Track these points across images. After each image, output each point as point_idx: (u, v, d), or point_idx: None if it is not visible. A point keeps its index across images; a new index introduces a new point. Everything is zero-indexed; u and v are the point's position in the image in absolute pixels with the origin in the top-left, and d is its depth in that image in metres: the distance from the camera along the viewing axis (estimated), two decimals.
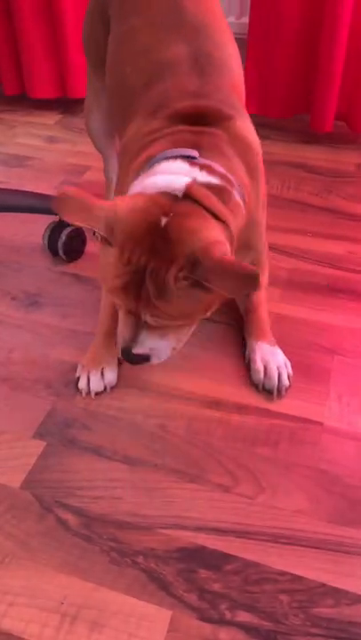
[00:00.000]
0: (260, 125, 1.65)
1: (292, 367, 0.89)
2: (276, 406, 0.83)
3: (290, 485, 0.73)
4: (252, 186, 0.76)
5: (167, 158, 0.70)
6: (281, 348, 0.93)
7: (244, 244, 0.80)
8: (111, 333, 0.88)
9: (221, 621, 0.60)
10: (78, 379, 0.86)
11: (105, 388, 0.86)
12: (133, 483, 0.74)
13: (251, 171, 0.76)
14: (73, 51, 1.60)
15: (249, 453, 0.77)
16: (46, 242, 1.12)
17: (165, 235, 0.63)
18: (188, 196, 0.65)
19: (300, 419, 0.81)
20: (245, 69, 1.53)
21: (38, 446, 0.78)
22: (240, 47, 1.68)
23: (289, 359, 0.91)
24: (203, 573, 0.64)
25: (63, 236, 1.09)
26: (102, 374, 0.86)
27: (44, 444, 0.79)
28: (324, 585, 0.63)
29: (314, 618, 0.60)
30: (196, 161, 0.69)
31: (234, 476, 0.74)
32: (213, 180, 0.68)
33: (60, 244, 1.09)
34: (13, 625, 0.60)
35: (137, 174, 0.74)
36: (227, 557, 0.66)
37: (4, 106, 1.81)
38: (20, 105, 1.82)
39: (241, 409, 0.83)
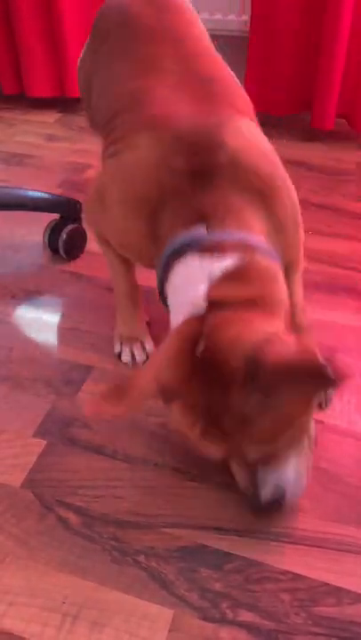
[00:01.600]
0: (261, 124, 1.64)
1: None
2: None
3: None
4: (269, 212, 0.67)
5: (177, 256, 0.64)
6: None
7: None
8: (133, 303, 0.90)
9: (223, 620, 0.60)
10: (119, 354, 0.91)
11: (147, 357, 0.90)
12: (134, 482, 0.73)
13: (264, 193, 0.67)
14: (71, 50, 1.59)
15: None
16: (47, 240, 1.11)
17: (209, 363, 0.55)
18: (214, 303, 0.59)
19: None
20: (246, 67, 1.53)
21: (39, 445, 0.78)
22: (241, 45, 1.67)
23: None
24: (204, 572, 0.64)
25: (64, 234, 1.09)
26: (143, 346, 0.91)
27: (45, 442, 0.78)
28: (325, 584, 0.63)
29: (315, 617, 0.60)
30: (205, 244, 0.62)
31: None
32: (228, 262, 0.61)
33: (60, 242, 1.09)
34: (14, 624, 0.60)
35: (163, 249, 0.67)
36: (228, 556, 0.66)
37: (3, 104, 1.81)
38: (19, 103, 1.81)
39: None
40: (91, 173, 1.43)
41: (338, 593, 0.62)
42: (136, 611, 0.61)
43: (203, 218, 0.64)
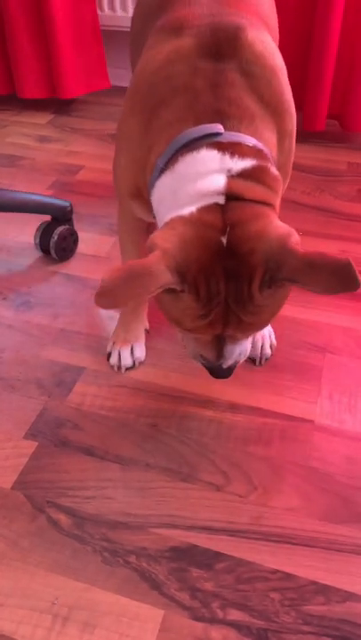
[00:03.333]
0: None
1: (284, 365, 0.89)
2: (267, 405, 0.83)
3: (281, 484, 0.73)
4: (277, 126, 0.66)
5: (190, 148, 0.61)
6: None
7: None
8: (137, 309, 0.91)
9: (213, 620, 0.60)
10: (109, 354, 0.91)
11: (134, 364, 0.90)
12: (125, 482, 0.74)
13: (275, 107, 0.65)
14: (63, 51, 1.59)
15: (241, 452, 0.77)
16: (38, 241, 1.11)
17: (233, 253, 0.56)
18: (232, 197, 0.59)
19: (291, 417, 0.81)
20: None
21: (30, 446, 0.78)
22: None
23: (280, 357, 0.91)
24: (195, 572, 0.64)
25: (55, 236, 1.09)
26: (132, 351, 0.90)
27: (36, 444, 0.78)
28: (315, 583, 0.63)
29: (305, 615, 0.61)
30: (223, 142, 0.60)
31: (226, 475, 0.74)
32: (247, 163, 0.60)
33: (51, 244, 1.09)
34: (4, 626, 0.60)
35: (156, 159, 0.65)
36: (218, 556, 0.66)
37: None
38: (10, 104, 1.81)
39: (233, 408, 0.83)
40: (84, 175, 1.43)
41: (327, 591, 0.62)
42: (127, 611, 0.61)
43: (217, 114, 0.61)
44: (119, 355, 0.90)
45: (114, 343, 0.91)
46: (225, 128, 0.61)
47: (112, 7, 1.69)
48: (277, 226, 0.58)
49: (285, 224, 0.59)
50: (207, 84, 0.62)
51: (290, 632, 0.59)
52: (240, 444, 0.78)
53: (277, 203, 0.63)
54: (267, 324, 0.62)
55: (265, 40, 0.66)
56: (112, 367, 0.90)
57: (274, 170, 0.63)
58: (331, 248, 1.15)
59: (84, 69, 1.67)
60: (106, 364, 0.90)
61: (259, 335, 0.89)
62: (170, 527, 0.69)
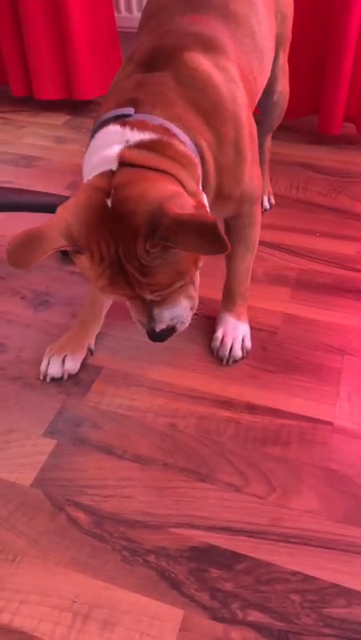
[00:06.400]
0: None
1: (302, 367, 0.89)
2: (286, 406, 0.83)
3: (300, 485, 0.73)
4: (209, 126, 0.70)
5: (103, 124, 0.68)
6: (290, 347, 0.93)
7: (218, 193, 0.75)
8: (87, 323, 0.91)
9: (233, 621, 0.60)
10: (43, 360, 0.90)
11: (62, 376, 0.87)
12: (144, 481, 0.74)
13: (206, 110, 0.69)
14: (80, 53, 1.60)
15: (259, 453, 0.77)
16: None
17: (117, 214, 0.60)
18: (123, 163, 0.63)
19: (310, 418, 0.81)
20: None
21: (49, 445, 0.78)
22: None
23: (298, 358, 0.90)
24: (214, 573, 0.64)
25: None
26: (63, 361, 0.88)
27: (55, 442, 0.79)
28: (336, 585, 0.63)
29: (326, 618, 0.60)
30: (129, 120, 0.66)
31: (244, 476, 0.74)
32: (145, 135, 0.65)
33: None
34: (25, 623, 0.61)
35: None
36: (238, 557, 0.66)
37: (12, 106, 1.82)
38: (27, 105, 1.82)
39: (251, 409, 0.83)
40: None
41: (348, 594, 0.62)
42: (147, 610, 0.61)
43: (132, 102, 0.68)
44: (48, 362, 0.88)
45: (50, 349, 0.89)
46: (137, 111, 0.67)
47: (129, 9, 1.70)
48: (160, 188, 0.61)
49: (174, 187, 0.62)
50: (134, 84, 0.70)
51: (311, 634, 0.59)
52: (258, 445, 0.78)
53: (184, 175, 0.66)
54: (170, 286, 0.65)
55: (207, 58, 0.72)
56: (40, 373, 0.88)
57: (182, 147, 0.66)
58: (347, 249, 1.15)
59: (101, 71, 1.68)
60: (123, 363, 0.91)
61: (229, 336, 0.91)
62: (189, 527, 0.68)
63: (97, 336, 0.96)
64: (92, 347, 0.91)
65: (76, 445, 0.78)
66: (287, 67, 1.11)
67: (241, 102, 0.73)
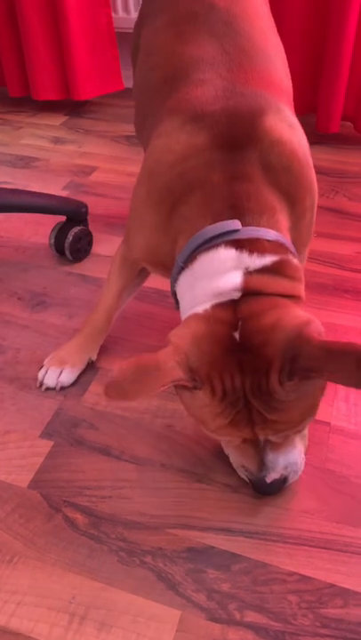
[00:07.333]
0: None
1: None
2: None
3: (298, 485, 0.73)
4: (293, 208, 0.65)
5: (207, 247, 0.61)
6: None
7: None
8: (93, 336, 0.87)
9: (230, 621, 0.60)
10: (41, 368, 0.87)
11: (55, 387, 0.86)
12: (141, 482, 0.74)
13: (291, 192, 0.65)
14: (77, 53, 1.60)
15: None
16: (53, 242, 1.12)
17: (246, 346, 0.55)
18: (250, 293, 0.58)
19: None
20: None
21: (46, 446, 0.78)
22: None
23: None
24: (211, 573, 0.64)
25: (70, 236, 1.09)
26: (60, 373, 0.86)
27: (52, 443, 0.79)
28: (332, 585, 0.63)
29: (323, 618, 0.60)
30: (241, 239, 0.60)
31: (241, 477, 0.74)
32: (266, 260, 0.59)
33: (66, 244, 1.09)
34: (22, 624, 0.60)
35: (176, 255, 0.65)
36: (235, 557, 0.66)
37: (10, 107, 1.82)
38: (25, 106, 1.82)
39: None
40: (97, 176, 1.43)
41: (345, 594, 0.62)
42: (144, 611, 0.61)
43: (234, 210, 0.61)
44: (46, 372, 0.86)
45: (51, 359, 0.88)
46: (243, 224, 0.60)
47: (126, 9, 1.70)
48: (295, 315, 0.56)
49: (305, 313, 0.57)
50: (223, 178, 0.62)
51: (308, 635, 0.59)
52: None
53: (301, 289, 0.62)
54: (299, 423, 0.58)
55: (283, 120, 0.65)
56: (37, 377, 0.88)
57: (295, 261, 0.62)
58: (345, 250, 1.15)
59: (98, 71, 1.68)
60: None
61: None
62: (186, 528, 0.68)
63: None
64: (94, 358, 0.90)
65: (73, 446, 0.78)
66: None
67: (309, 155, 0.69)
